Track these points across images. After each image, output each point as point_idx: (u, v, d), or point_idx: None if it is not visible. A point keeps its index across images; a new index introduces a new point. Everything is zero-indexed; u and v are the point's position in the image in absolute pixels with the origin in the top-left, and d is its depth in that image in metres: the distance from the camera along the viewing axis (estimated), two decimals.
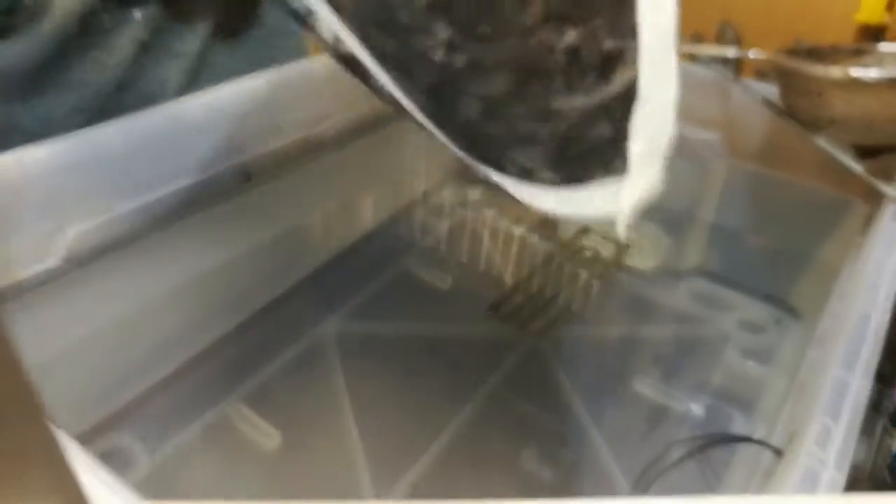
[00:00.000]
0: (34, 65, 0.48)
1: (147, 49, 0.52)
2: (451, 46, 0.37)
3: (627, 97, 0.30)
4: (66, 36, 0.48)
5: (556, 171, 0.30)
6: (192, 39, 0.54)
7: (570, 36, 0.33)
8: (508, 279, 0.63)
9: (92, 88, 0.50)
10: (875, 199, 0.51)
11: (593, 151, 0.29)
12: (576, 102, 0.31)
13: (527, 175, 0.30)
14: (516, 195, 0.30)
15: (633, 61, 0.30)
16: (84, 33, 0.49)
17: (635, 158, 0.28)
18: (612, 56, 0.31)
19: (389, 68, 0.34)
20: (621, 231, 0.29)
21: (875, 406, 0.50)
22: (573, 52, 0.32)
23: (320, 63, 0.56)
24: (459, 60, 0.36)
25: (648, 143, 0.28)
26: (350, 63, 0.34)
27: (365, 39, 0.35)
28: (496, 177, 0.30)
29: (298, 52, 0.60)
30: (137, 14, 0.50)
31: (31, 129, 0.48)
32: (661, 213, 0.67)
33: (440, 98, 0.33)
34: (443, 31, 0.39)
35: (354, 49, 0.33)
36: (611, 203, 0.29)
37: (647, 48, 0.30)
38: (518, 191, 0.30)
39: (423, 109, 0.33)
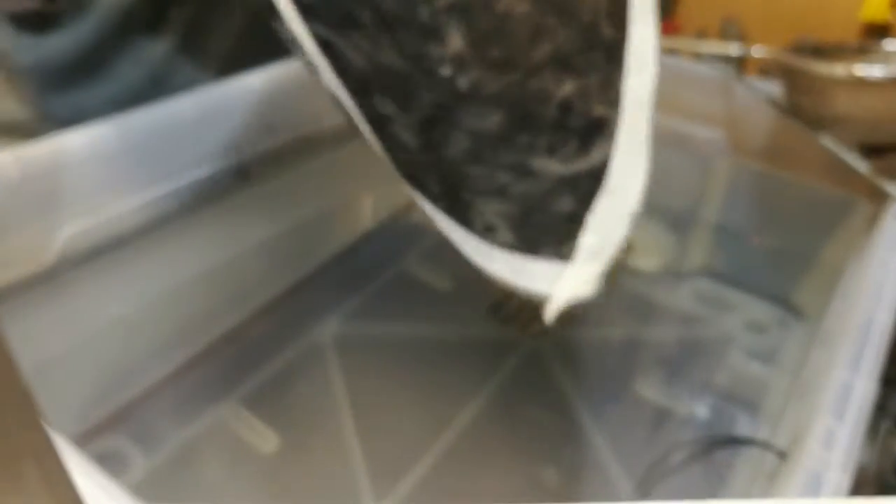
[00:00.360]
0: (76, 57, 0.48)
1: (181, 45, 0.53)
2: (459, 63, 0.38)
3: (596, 178, 0.30)
4: (108, 29, 0.49)
5: (516, 234, 0.30)
6: (223, 38, 0.55)
7: (567, 87, 0.34)
8: None
9: (126, 82, 0.51)
10: (880, 199, 0.51)
11: (551, 227, 0.30)
12: (552, 167, 0.31)
13: (488, 232, 0.30)
14: (469, 253, 0.30)
15: (612, 135, 0.31)
16: (124, 28, 0.49)
17: (582, 250, 0.29)
18: (596, 124, 0.32)
19: (385, 93, 0.35)
20: (548, 315, 0.30)
21: (880, 408, 0.50)
22: (566, 108, 0.33)
23: None
24: (464, 82, 0.36)
25: (599, 240, 0.29)
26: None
27: (366, 63, 0.35)
28: (455, 231, 0.30)
29: None
30: (174, 11, 0.51)
31: (63, 120, 0.49)
32: (663, 213, 0.67)
33: (432, 130, 0.34)
34: (456, 41, 0.39)
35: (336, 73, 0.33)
36: (550, 285, 0.29)
37: (626, 124, 0.31)
38: (472, 248, 0.30)
39: (406, 147, 0.33)
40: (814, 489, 0.27)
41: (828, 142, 0.47)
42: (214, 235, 0.51)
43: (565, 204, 0.30)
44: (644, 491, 0.42)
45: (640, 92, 0.32)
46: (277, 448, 0.46)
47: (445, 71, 0.38)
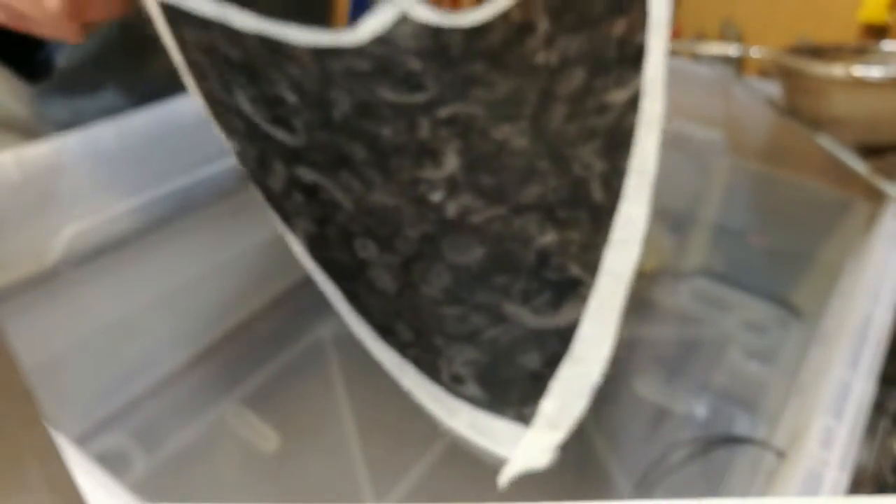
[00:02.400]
0: (91, 60, 0.48)
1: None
2: (451, 186, 0.39)
3: (564, 339, 0.30)
4: (124, 36, 0.49)
5: (483, 387, 0.30)
6: None
7: (549, 237, 0.35)
8: None
9: (132, 88, 0.51)
10: (878, 199, 0.51)
11: (517, 383, 0.30)
12: (524, 317, 0.32)
13: (455, 384, 0.30)
14: (432, 406, 0.30)
15: (584, 300, 0.31)
16: (138, 36, 0.50)
17: (542, 416, 0.28)
18: (571, 283, 0.32)
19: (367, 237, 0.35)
20: (502, 480, 0.30)
21: (878, 407, 0.50)
22: (544, 258, 0.34)
23: None
24: (452, 209, 0.37)
25: (559, 408, 0.29)
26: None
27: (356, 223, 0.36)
28: (421, 385, 0.30)
29: None
30: None
31: (63, 123, 0.49)
32: (662, 213, 0.67)
33: (413, 268, 0.34)
34: (451, 161, 0.40)
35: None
36: (510, 449, 0.29)
37: (599, 293, 0.31)
38: (436, 401, 0.30)
39: (384, 293, 0.33)
40: (812, 488, 0.27)
41: (826, 142, 0.47)
42: (215, 236, 0.51)
43: (532, 360, 0.30)
44: (643, 490, 0.42)
45: (619, 268, 0.32)
46: (278, 447, 0.46)
47: (436, 196, 0.39)
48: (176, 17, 0.34)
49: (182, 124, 0.46)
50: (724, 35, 1.16)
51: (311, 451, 0.47)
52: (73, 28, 0.32)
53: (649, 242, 0.66)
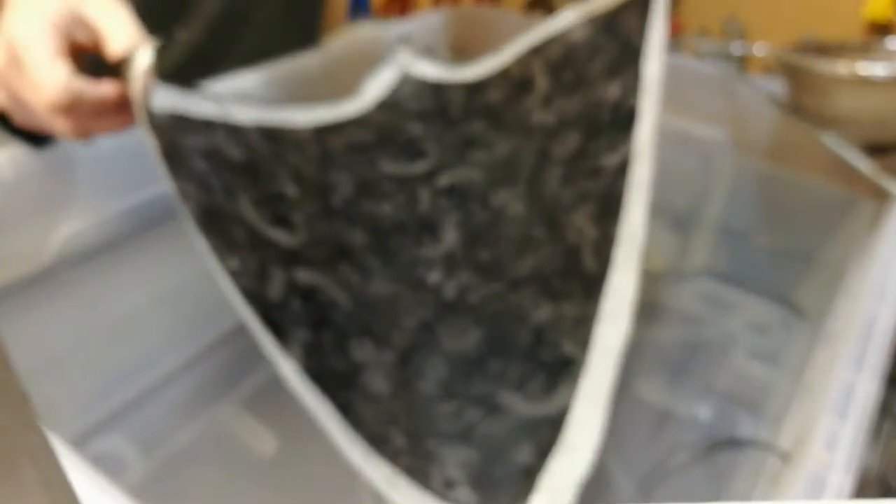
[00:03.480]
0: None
1: None
2: (450, 264, 0.40)
3: (555, 427, 0.31)
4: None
5: (475, 489, 0.30)
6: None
7: (543, 311, 0.36)
8: None
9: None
10: (883, 198, 0.51)
11: (508, 481, 0.30)
12: (518, 405, 0.33)
13: (447, 489, 0.30)
14: None
15: (575, 380, 0.32)
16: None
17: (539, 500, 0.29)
18: (564, 362, 0.33)
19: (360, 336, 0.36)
20: None
21: (883, 408, 0.50)
22: (538, 334, 0.36)
23: (315, 60, 0.56)
24: (451, 289, 0.38)
25: (549, 502, 0.29)
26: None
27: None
28: (412, 497, 0.30)
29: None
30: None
31: None
32: (667, 212, 0.67)
33: (410, 363, 0.35)
34: (450, 236, 0.41)
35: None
36: None
37: (591, 371, 0.32)
38: None
39: (377, 398, 0.33)
40: (817, 491, 0.27)
41: (831, 141, 0.47)
42: None
43: (524, 454, 0.30)
44: (646, 492, 0.42)
45: (610, 341, 0.33)
46: (275, 449, 0.46)
47: (435, 276, 0.40)
48: (181, 126, 0.36)
49: None
50: (728, 32, 1.16)
51: (308, 455, 0.47)
52: (82, 140, 0.35)
53: (653, 243, 0.66)
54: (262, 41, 0.56)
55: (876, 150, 0.49)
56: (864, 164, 0.47)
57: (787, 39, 0.53)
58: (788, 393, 0.48)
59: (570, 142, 0.45)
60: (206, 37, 0.55)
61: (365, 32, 0.68)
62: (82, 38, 0.33)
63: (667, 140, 0.65)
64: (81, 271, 0.43)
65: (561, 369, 0.33)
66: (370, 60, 0.63)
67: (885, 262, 0.40)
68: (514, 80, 0.52)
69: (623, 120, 0.42)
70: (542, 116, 0.49)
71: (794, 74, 0.48)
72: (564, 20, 0.50)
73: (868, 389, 0.31)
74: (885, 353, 0.33)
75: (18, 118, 0.34)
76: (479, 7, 1.34)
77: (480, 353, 0.35)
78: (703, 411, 0.52)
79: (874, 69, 0.44)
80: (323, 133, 0.47)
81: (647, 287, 0.63)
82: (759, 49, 0.55)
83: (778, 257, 0.64)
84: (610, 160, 0.41)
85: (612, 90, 0.44)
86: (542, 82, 0.50)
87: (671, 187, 0.66)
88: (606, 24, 0.48)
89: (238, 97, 0.41)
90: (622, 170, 0.40)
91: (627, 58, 0.45)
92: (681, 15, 1.17)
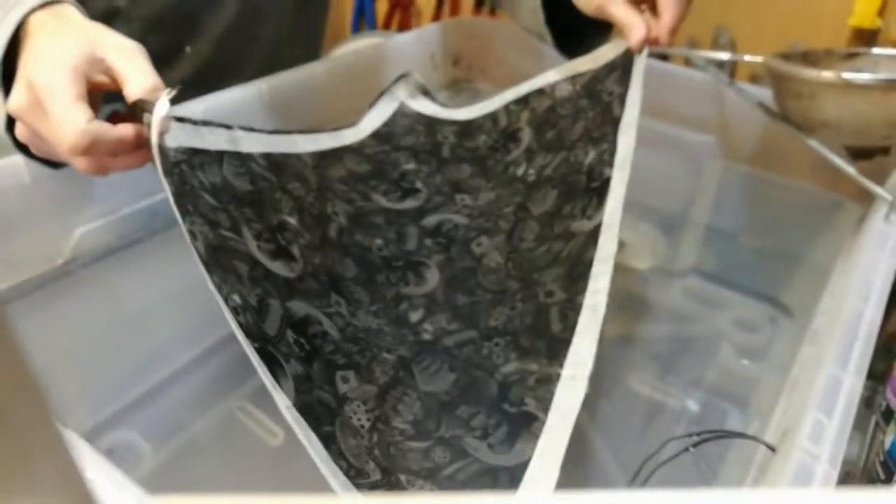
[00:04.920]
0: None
1: None
2: (430, 304, 0.40)
3: (514, 480, 0.32)
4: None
5: None
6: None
7: (511, 366, 0.36)
8: None
9: None
10: (867, 200, 0.51)
11: None
12: (482, 452, 0.33)
13: None
14: None
15: (536, 438, 0.33)
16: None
17: None
18: (525, 418, 0.34)
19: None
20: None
21: (868, 403, 0.50)
22: (505, 388, 0.36)
23: (320, 69, 0.56)
24: (429, 330, 0.39)
25: None
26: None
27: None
28: None
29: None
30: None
31: None
32: (656, 214, 0.67)
33: (387, 398, 0.36)
34: (433, 276, 0.43)
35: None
36: None
37: (550, 431, 0.33)
38: None
39: (358, 431, 0.34)
40: (803, 481, 0.27)
41: (816, 145, 0.47)
42: None
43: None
44: (638, 482, 0.42)
45: (568, 404, 0.34)
46: (283, 442, 0.46)
47: (416, 315, 0.40)
48: (193, 162, 0.36)
49: None
50: (717, 41, 1.16)
51: None
52: (99, 175, 0.35)
53: (643, 242, 0.66)
54: (269, 56, 0.56)
55: (860, 153, 0.49)
56: (848, 168, 0.47)
57: (776, 49, 0.53)
58: (775, 388, 0.48)
59: (547, 200, 0.47)
60: (214, 52, 0.55)
61: (368, 43, 0.68)
62: (101, 79, 0.34)
63: (658, 144, 0.65)
64: (97, 270, 0.43)
65: (522, 424, 0.34)
66: (372, 69, 0.63)
67: (869, 261, 0.40)
68: (501, 128, 0.54)
69: (597, 188, 0.44)
70: (524, 169, 0.51)
71: (780, 81, 0.48)
72: (549, 78, 0.52)
73: (853, 384, 0.31)
74: (870, 349, 0.33)
75: (38, 152, 0.35)
76: (478, 18, 1.34)
77: (452, 396, 0.36)
78: (693, 405, 0.52)
79: (859, 75, 0.44)
80: (323, 159, 0.49)
81: (637, 284, 0.63)
82: (748, 57, 0.55)
83: (765, 257, 0.64)
84: (583, 226, 0.43)
85: (591, 156, 0.46)
86: (526, 134, 0.52)
87: (661, 189, 0.66)
88: (588, 85, 0.49)
89: (246, 126, 0.42)
90: (592, 238, 0.41)
91: (606, 125, 0.46)
92: None
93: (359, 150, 0.52)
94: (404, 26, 1.53)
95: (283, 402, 0.32)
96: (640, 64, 0.45)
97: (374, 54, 0.63)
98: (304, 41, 0.62)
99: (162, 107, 0.32)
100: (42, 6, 0.35)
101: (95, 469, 0.27)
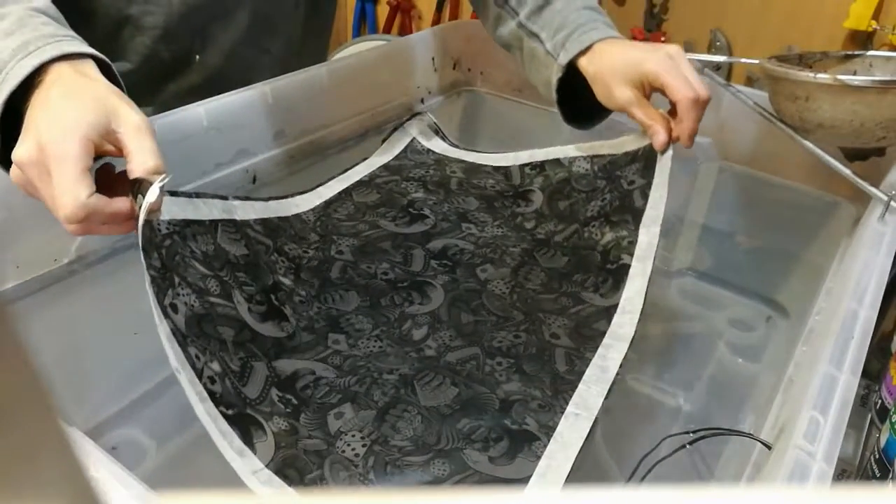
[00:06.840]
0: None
1: None
2: (435, 321, 0.40)
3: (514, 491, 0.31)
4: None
5: None
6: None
7: (513, 385, 0.36)
8: None
9: None
10: (862, 201, 0.51)
11: None
12: (481, 464, 0.33)
13: None
14: None
15: (537, 458, 0.33)
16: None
17: None
18: (526, 437, 0.34)
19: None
20: None
21: (863, 401, 0.50)
22: (507, 403, 0.36)
23: (322, 72, 0.56)
24: (432, 346, 0.39)
25: None
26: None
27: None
28: None
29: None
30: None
31: None
32: None
33: (389, 417, 0.35)
34: (438, 294, 0.43)
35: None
36: None
37: (551, 455, 0.33)
38: None
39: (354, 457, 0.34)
40: (799, 478, 0.27)
41: (812, 146, 0.47)
42: None
43: None
44: (636, 480, 0.42)
45: (573, 436, 0.34)
46: None
47: (419, 333, 0.42)
48: (185, 233, 0.36)
49: (193, 129, 0.46)
50: (714, 44, 1.16)
51: None
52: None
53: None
54: (278, 68, 0.56)
55: (855, 155, 0.49)
56: (843, 169, 0.47)
57: (771, 51, 0.53)
58: (771, 386, 0.48)
59: (556, 260, 0.48)
60: (224, 63, 0.55)
61: (369, 46, 0.68)
62: (109, 149, 0.34)
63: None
64: (101, 270, 0.43)
65: (523, 441, 0.34)
66: (374, 72, 0.63)
67: (864, 261, 0.40)
68: (513, 184, 0.54)
69: (613, 270, 0.44)
70: (533, 225, 0.51)
71: (776, 83, 0.48)
72: (567, 152, 0.52)
73: (848, 383, 0.31)
74: (864, 348, 0.33)
75: (26, 192, 0.34)
76: (477, 21, 1.34)
77: (453, 409, 0.36)
78: (690, 404, 0.52)
79: (853, 77, 0.44)
80: (329, 206, 0.50)
81: None
82: (744, 60, 0.55)
83: (761, 257, 0.64)
84: (593, 299, 0.43)
85: (608, 237, 0.47)
86: (538, 198, 0.53)
87: None
88: (607, 169, 0.50)
89: (242, 196, 0.43)
90: (606, 313, 0.41)
91: (626, 213, 0.47)
92: (667, 29, 1.17)
93: (369, 181, 0.53)
94: (405, 30, 1.53)
95: (249, 467, 0.31)
96: (666, 164, 0.46)
97: (376, 57, 0.63)
98: (312, 53, 0.62)
99: (152, 194, 0.33)
100: (65, 57, 0.34)
101: (100, 466, 0.27)
